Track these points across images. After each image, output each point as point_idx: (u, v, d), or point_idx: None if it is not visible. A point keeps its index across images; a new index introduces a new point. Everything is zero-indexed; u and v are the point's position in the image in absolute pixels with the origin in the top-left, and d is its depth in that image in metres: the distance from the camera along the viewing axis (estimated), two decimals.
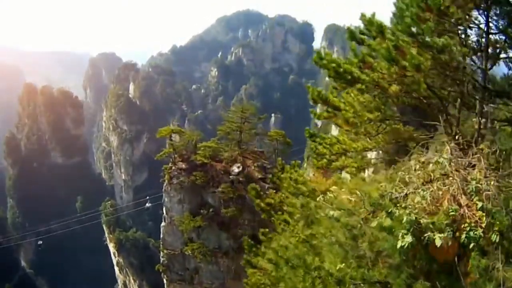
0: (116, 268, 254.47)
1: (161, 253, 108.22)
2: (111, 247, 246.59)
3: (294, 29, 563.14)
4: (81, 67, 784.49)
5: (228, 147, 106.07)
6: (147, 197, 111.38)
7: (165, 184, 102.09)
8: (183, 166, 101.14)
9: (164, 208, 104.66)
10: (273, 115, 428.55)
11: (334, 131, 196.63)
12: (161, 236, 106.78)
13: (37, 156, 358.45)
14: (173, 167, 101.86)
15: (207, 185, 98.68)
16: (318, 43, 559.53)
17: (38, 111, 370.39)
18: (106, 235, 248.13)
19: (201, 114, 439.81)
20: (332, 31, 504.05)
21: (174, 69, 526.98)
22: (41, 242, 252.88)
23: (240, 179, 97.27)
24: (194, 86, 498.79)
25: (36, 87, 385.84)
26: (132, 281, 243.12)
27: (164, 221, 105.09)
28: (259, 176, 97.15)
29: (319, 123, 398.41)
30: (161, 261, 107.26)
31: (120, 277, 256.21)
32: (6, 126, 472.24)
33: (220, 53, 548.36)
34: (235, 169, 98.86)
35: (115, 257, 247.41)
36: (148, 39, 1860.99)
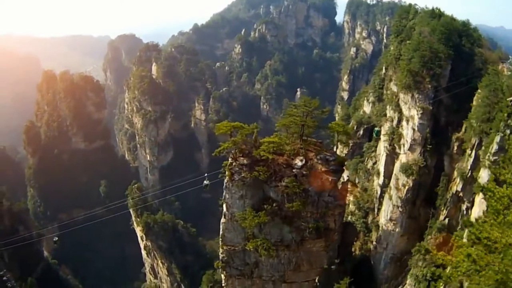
0: (144, 252, 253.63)
1: (221, 249, 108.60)
2: (138, 230, 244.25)
3: (316, 4, 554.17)
4: (98, 51, 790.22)
5: (289, 140, 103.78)
6: (206, 174, 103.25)
7: (226, 181, 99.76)
8: (245, 161, 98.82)
9: (224, 205, 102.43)
10: (298, 89, 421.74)
11: (366, 106, 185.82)
12: (221, 232, 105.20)
13: (58, 143, 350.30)
14: (234, 163, 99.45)
15: (269, 179, 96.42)
16: (340, 17, 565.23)
17: (57, 98, 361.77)
18: (133, 218, 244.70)
19: (225, 92, 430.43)
20: (355, 5, 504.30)
21: (196, 47, 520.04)
22: (56, 238, 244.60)
23: (304, 172, 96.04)
24: (218, 64, 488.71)
25: (55, 73, 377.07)
26: (160, 264, 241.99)
27: (224, 218, 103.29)
28: (323, 169, 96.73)
29: (345, 96, 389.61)
30: (220, 258, 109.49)
31: (147, 261, 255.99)
32: (22, 116, 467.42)
33: (243, 30, 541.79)
34: (298, 162, 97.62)
35: (143, 240, 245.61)
36: (165, 18, 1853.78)
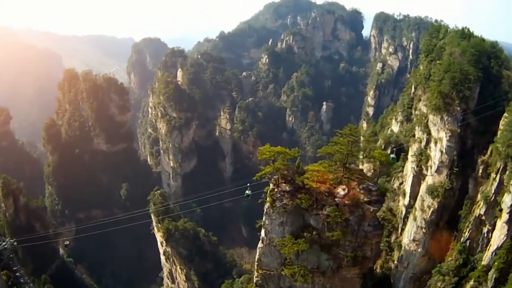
0: (163, 257, 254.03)
1: (256, 273, 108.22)
2: (159, 236, 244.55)
3: (344, 17, 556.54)
4: (121, 52, 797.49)
5: (331, 167, 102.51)
6: (248, 184, 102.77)
7: (266, 207, 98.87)
8: (287, 188, 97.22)
9: (263, 230, 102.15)
10: (324, 103, 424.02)
11: (394, 125, 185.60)
12: (257, 256, 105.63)
13: (79, 143, 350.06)
14: (276, 189, 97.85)
15: (310, 207, 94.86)
16: (367, 30, 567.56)
17: (80, 98, 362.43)
18: (154, 223, 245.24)
19: (251, 102, 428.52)
20: (382, 20, 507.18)
21: (222, 55, 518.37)
22: (68, 242, 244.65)
23: (346, 202, 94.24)
24: (244, 73, 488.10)
25: (77, 72, 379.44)
26: (179, 270, 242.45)
27: (262, 242, 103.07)
28: (365, 199, 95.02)
29: (370, 112, 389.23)
30: (254, 281, 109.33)
31: (166, 266, 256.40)
32: (42, 110, 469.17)
33: (271, 40, 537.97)
34: (341, 191, 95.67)
35: (162, 246, 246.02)
36: (191, 23, 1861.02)
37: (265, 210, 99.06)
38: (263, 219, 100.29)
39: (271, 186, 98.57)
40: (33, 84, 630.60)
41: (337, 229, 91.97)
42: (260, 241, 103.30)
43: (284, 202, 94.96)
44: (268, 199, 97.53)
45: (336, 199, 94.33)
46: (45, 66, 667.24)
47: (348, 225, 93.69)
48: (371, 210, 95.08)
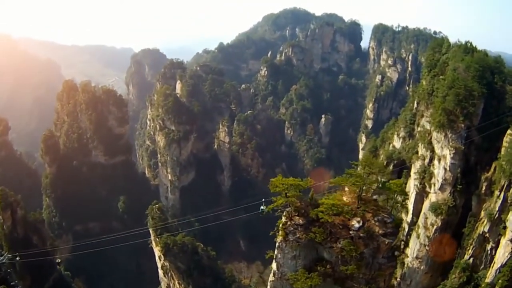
0: (161, 272, 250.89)
1: None
2: (157, 250, 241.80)
3: (342, 29, 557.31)
4: (120, 62, 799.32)
5: (346, 199, 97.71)
6: (263, 200, 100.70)
7: (279, 241, 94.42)
8: (300, 221, 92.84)
9: (275, 263, 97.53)
10: (323, 116, 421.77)
11: (396, 141, 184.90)
12: None
13: (77, 155, 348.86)
14: (289, 223, 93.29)
15: (324, 240, 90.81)
16: (366, 41, 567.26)
17: (78, 109, 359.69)
18: (152, 238, 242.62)
19: (250, 114, 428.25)
20: (380, 31, 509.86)
21: (221, 67, 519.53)
22: (59, 260, 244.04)
23: (361, 235, 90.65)
24: (243, 86, 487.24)
25: (76, 84, 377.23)
26: (177, 284, 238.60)
27: (274, 276, 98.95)
28: (380, 231, 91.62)
29: (369, 124, 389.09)
30: None
31: (164, 280, 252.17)
32: (41, 120, 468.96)
33: (270, 52, 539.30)
34: (356, 224, 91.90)
35: (160, 260, 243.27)
36: (189, 34, 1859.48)
37: (277, 244, 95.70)
38: (275, 252, 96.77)
39: (284, 219, 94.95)
40: (32, 93, 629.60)
41: (351, 263, 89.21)
42: (272, 274, 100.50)
43: (298, 236, 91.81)
44: (280, 232, 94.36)
45: (350, 232, 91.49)
46: (44, 75, 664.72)
47: (362, 258, 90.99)
48: (386, 242, 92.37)
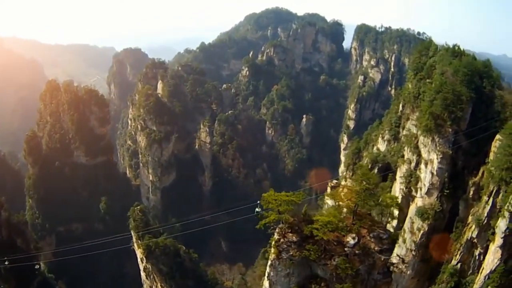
0: (143, 274, 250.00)
1: None
2: (139, 252, 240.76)
3: (325, 29, 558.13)
4: (103, 61, 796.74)
5: (341, 214, 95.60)
6: (258, 202, 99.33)
7: (272, 258, 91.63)
8: (293, 238, 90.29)
9: (267, 281, 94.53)
10: (304, 116, 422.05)
11: (381, 144, 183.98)
12: None
13: (60, 156, 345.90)
14: (282, 240, 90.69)
15: (318, 256, 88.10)
16: (348, 42, 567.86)
17: (61, 109, 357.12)
18: (134, 240, 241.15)
19: (231, 114, 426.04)
20: (363, 32, 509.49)
21: (202, 66, 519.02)
22: (38, 266, 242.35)
23: (356, 251, 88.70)
24: (224, 86, 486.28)
25: (59, 84, 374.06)
26: (159, 287, 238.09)
27: None
28: (376, 248, 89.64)
29: (351, 125, 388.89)
30: None
31: (146, 283, 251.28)
32: (24, 120, 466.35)
33: (251, 52, 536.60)
34: (351, 240, 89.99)
35: (142, 262, 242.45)
36: (171, 33, 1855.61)
37: (269, 262, 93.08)
38: (267, 270, 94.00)
39: (276, 236, 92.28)
40: (15, 93, 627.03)
41: (346, 280, 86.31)
42: None
43: (291, 253, 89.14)
44: (273, 250, 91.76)
45: (346, 249, 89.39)
46: (27, 75, 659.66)
47: (358, 275, 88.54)
48: (382, 259, 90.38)
